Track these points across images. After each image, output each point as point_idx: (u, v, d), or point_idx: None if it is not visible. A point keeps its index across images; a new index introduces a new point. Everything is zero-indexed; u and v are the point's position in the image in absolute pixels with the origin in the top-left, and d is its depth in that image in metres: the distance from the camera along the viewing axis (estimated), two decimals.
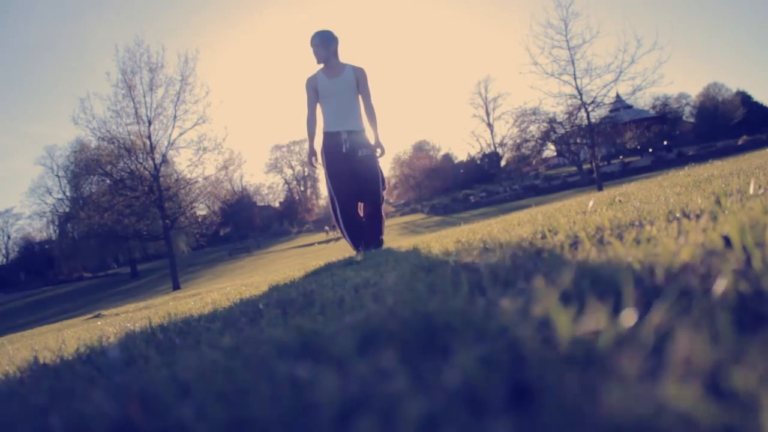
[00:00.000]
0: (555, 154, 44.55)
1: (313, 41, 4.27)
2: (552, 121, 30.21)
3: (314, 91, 4.29)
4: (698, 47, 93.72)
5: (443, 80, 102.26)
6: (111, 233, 25.42)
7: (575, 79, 22.75)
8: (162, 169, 22.10)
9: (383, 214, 4.37)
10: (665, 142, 44.68)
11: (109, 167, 23.27)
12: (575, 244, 1.28)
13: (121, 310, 8.27)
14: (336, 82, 4.23)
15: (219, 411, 0.56)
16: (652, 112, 50.39)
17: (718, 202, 1.49)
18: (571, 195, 20.72)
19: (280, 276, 3.99)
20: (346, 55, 4.44)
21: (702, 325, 0.56)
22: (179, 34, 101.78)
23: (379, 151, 4.30)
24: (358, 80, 4.28)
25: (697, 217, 1.27)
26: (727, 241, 0.89)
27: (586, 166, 37.23)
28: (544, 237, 1.56)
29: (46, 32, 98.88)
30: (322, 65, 4.30)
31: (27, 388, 1.07)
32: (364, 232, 4.25)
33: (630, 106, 39.54)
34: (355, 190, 4.22)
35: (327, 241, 35.95)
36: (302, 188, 66.83)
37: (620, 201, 2.65)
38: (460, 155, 67.14)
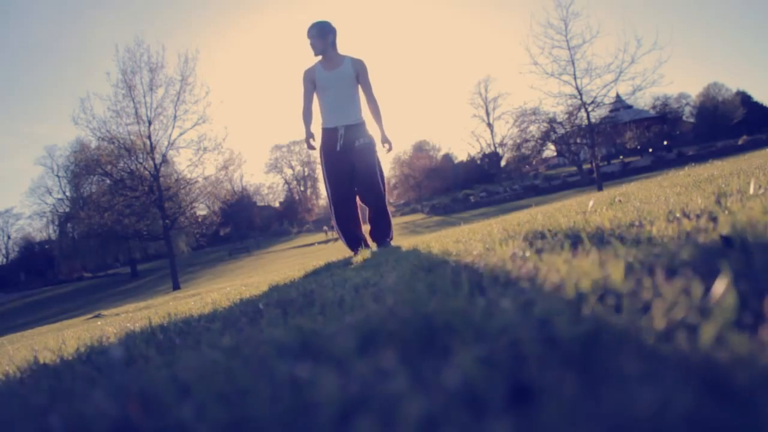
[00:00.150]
0: (555, 154, 44.51)
1: (309, 33, 4.14)
2: (552, 121, 30.19)
3: (311, 83, 4.16)
4: (698, 47, 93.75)
5: (443, 80, 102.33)
6: (111, 233, 25.40)
7: (575, 79, 22.74)
8: (162, 169, 22.10)
9: (387, 209, 4.16)
10: (665, 142, 44.68)
11: (109, 167, 23.26)
12: (575, 244, 1.28)
13: (121, 310, 8.27)
14: (334, 75, 4.10)
15: (219, 411, 0.56)
16: (652, 112, 50.40)
17: (718, 202, 1.49)
18: (571, 195, 20.72)
19: (280, 276, 3.99)
20: (346, 53, 4.26)
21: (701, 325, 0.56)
22: (179, 34, 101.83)
23: (387, 146, 4.17)
24: (358, 73, 4.14)
25: (697, 217, 1.27)
26: (727, 241, 0.89)
27: (586, 166, 37.23)
28: (544, 237, 1.56)
29: (46, 32, 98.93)
30: (320, 57, 4.17)
31: (27, 388, 1.07)
32: (371, 231, 4.12)
33: (630, 106, 39.53)
34: (353, 187, 4.10)
35: (326, 241, 35.94)
36: (302, 188, 66.83)
37: (620, 201, 2.65)
38: (460, 155, 67.21)
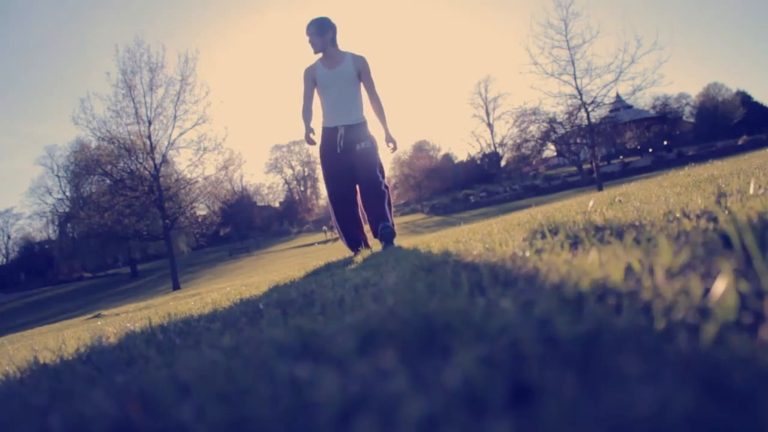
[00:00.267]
0: (555, 154, 44.52)
1: (308, 30, 4.02)
2: (552, 121, 30.19)
3: (312, 81, 4.05)
4: (698, 47, 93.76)
5: (443, 80, 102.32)
6: (111, 233, 25.39)
7: (575, 79, 22.75)
8: (162, 169, 22.10)
9: (387, 195, 3.95)
10: (665, 142, 44.68)
11: (109, 167, 23.26)
12: (575, 244, 1.28)
13: (121, 310, 8.27)
14: (335, 73, 3.98)
15: (219, 411, 0.56)
16: (652, 112, 50.40)
17: (718, 202, 1.49)
18: (571, 195, 20.73)
19: (280, 276, 3.99)
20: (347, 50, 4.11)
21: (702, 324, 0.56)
22: (179, 34, 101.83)
23: (391, 145, 4.08)
24: (360, 70, 4.02)
25: (697, 217, 1.27)
26: (727, 241, 0.89)
27: (586, 166, 37.22)
28: (544, 237, 1.56)
29: (46, 32, 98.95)
30: (320, 55, 4.05)
31: (27, 388, 1.07)
32: (374, 232, 3.97)
33: (630, 106, 39.54)
34: (353, 187, 3.99)
35: (326, 242, 35.94)
36: (302, 188, 66.83)
37: (620, 201, 2.65)
38: (460, 155, 67.23)
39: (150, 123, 21.54)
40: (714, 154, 30.63)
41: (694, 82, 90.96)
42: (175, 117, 21.78)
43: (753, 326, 0.55)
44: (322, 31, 3.98)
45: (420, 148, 59.54)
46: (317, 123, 4.12)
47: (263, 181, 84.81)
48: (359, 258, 3.05)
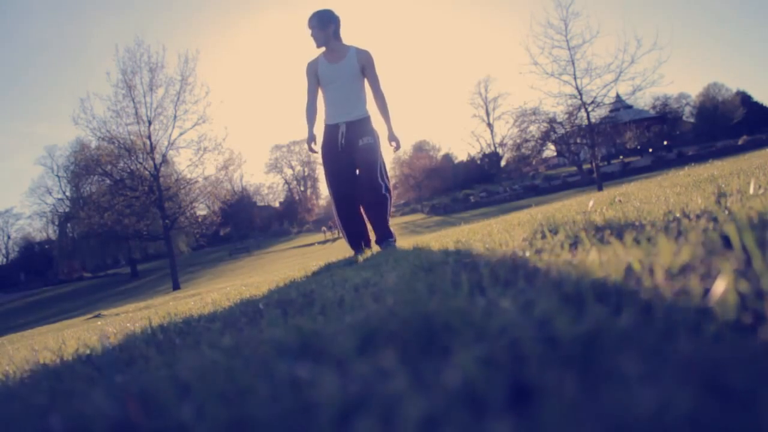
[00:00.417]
0: (555, 154, 44.54)
1: (310, 23, 3.87)
2: (552, 121, 30.19)
3: (315, 76, 3.92)
4: (698, 47, 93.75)
5: (443, 80, 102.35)
6: (111, 233, 25.40)
7: (575, 79, 22.74)
8: (162, 169, 22.10)
9: (388, 203, 3.86)
10: (665, 142, 44.69)
11: (109, 167, 23.28)
12: (575, 244, 1.28)
13: (121, 310, 8.27)
14: (337, 68, 3.84)
15: (219, 411, 0.56)
16: (652, 112, 50.41)
17: (718, 202, 1.49)
18: (571, 195, 20.72)
19: (280, 276, 3.99)
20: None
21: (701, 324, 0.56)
22: (179, 34, 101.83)
23: (394, 144, 3.96)
24: (363, 65, 3.86)
25: (697, 217, 1.27)
26: (727, 241, 0.89)
27: (586, 166, 37.23)
28: (544, 237, 1.56)
29: (46, 32, 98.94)
30: (323, 49, 3.91)
31: (27, 388, 1.07)
32: (371, 225, 3.89)
33: (630, 106, 39.56)
34: (354, 184, 3.88)
35: (325, 242, 35.94)
36: (302, 188, 66.83)
37: (620, 201, 2.65)
38: (460, 155, 67.28)
39: (150, 123, 21.55)
40: (714, 154, 30.63)
41: (694, 82, 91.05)
42: (175, 117, 21.80)
43: (753, 326, 0.55)
44: (324, 24, 3.85)
45: (420, 148, 59.58)
46: (321, 122, 4.02)
47: (263, 181, 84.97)
48: (359, 258, 3.05)
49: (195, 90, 21.96)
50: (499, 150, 58.09)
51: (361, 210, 3.94)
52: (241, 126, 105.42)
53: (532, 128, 34.77)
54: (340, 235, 4.18)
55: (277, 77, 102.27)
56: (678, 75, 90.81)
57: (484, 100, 59.03)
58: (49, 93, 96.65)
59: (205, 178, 23.31)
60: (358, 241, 3.96)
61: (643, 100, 45.96)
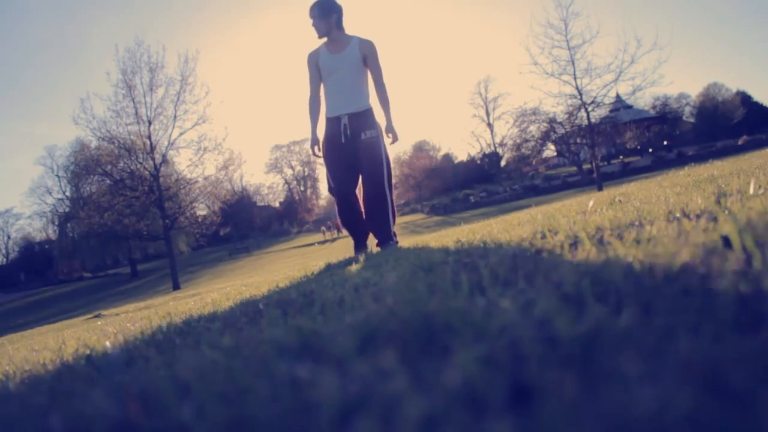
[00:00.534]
0: (555, 154, 44.54)
1: (311, 12, 3.75)
2: (552, 121, 30.18)
3: (316, 67, 3.80)
4: (698, 47, 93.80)
5: (443, 80, 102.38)
6: (111, 233, 25.40)
7: (575, 79, 22.74)
8: (162, 169, 22.10)
9: (391, 204, 3.73)
10: (665, 142, 44.70)
11: (109, 167, 23.29)
12: (575, 244, 1.28)
13: (121, 310, 8.27)
14: (339, 58, 3.72)
15: (219, 411, 0.56)
16: (652, 112, 50.41)
17: (718, 202, 1.49)
18: (571, 195, 20.72)
19: (280, 276, 3.99)
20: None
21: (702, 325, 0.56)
22: (179, 34, 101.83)
23: (390, 137, 3.79)
24: (366, 55, 3.73)
25: (697, 217, 1.27)
26: (727, 241, 0.89)
27: (586, 166, 37.23)
28: (544, 237, 1.56)
29: (46, 32, 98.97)
30: (325, 39, 3.79)
31: (27, 388, 1.07)
32: (371, 227, 3.76)
33: (630, 106, 39.55)
34: (356, 179, 3.74)
35: (324, 242, 35.93)
36: (302, 188, 66.84)
37: (620, 201, 2.65)
38: (460, 155, 67.32)
39: (150, 123, 21.55)
40: (714, 154, 30.64)
41: (694, 82, 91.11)
42: (175, 117, 21.80)
43: (753, 326, 0.55)
44: (325, 14, 3.73)
45: (420, 148, 59.60)
46: (322, 115, 3.88)
47: (263, 181, 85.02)
48: (359, 258, 3.05)
49: (195, 90, 21.98)
50: (499, 150, 58.12)
51: (362, 207, 3.81)
52: (241, 126, 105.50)
53: (532, 128, 34.78)
54: (341, 234, 4.12)
55: (277, 77, 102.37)
56: (678, 75, 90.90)
57: (484, 100, 59.07)
58: (49, 93, 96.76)
59: (205, 178, 23.33)
60: (360, 235, 3.86)
61: (643, 100, 45.96)
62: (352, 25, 3.93)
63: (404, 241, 4.10)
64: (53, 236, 49.24)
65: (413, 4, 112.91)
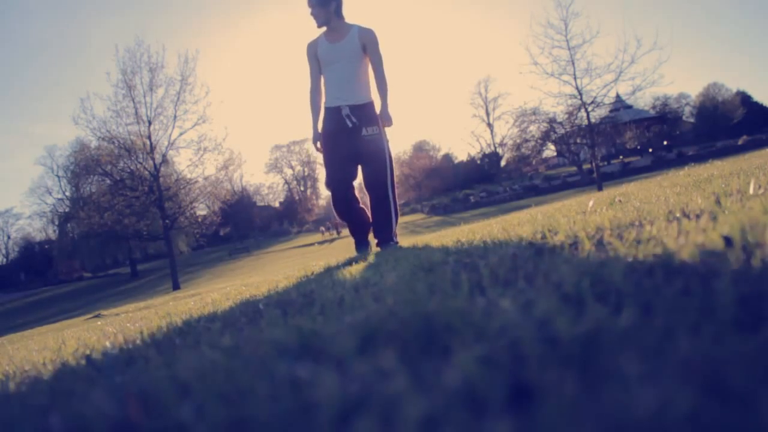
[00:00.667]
0: (555, 154, 44.56)
1: (310, 1, 3.61)
2: (552, 121, 30.17)
3: (315, 58, 3.68)
4: (698, 47, 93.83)
5: (443, 80, 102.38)
6: (111, 233, 25.43)
7: (575, 79, 22.74)
8: (162, 169, 22.12)
9: (393, 205, 3.63)
10: (665, 142, 44.69)
11: (109, 167, 23.30)
12: (575, 244, 1.28)
13: (121, 310, 8.27)
14: (338, 47, 3.59)
15: (219, 411, 0.56)
16: (652, 112, 50.38)
17: (718, 202, 1.49)
18: (571, 195, 20.72)
19: (280, 276, 3.99)
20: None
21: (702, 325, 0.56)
22: (179, 34, 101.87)
23: (386, 122, 3.62)
24: (366, 44, 3.59)
25: (697, 217, 1.27)
26: (727, 241, 0.89)
27: (586, 166, 37.23)
28: (544, 237, 1.56)
29: (46, 32, 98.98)
30: (324, 29, 3.66)
31: (27, 388, 1.07)
32: (373, 228, 3.67)
33: (630, 106, 39.51)
34: (354, 173, 3.65)
35: (324, 242, 35.92)
36: (302, 188, 66.85)
37: (620, 201, 2.65)
38: (460, 155, 67.36)
39: (150, 123, 21.57)
40: (714, 154, 30.63)
41: (694, 82, 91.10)
42: (175, 117, 21.82)
43: (753, 326, 0.55)
44: (324, 2, 3.59)
45: (420, 148, 59.63)
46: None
47: (263, 181, 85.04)
48: (359, 258, 3.04)
49: (195, 90, 22.01)
50: (499, 150, 58.13)
51: (360, 203, 3.76)
52: (241, 126, 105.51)
53: (532, 128, 34.77)
54: (340, 234, 4.02)
55: (277, 77, 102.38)
56: (678, 75, 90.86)
57: (484, 100, 59.06)
58: (49, 93, 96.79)
59: (205, 178, 23.35)
60: (361, 235, 3.76)
61: (643, 100, 45.94)
62: (351, 21, 3.81)
63: (404, 241, 4.10)
64: (53, 236, 49.27)
65: (413, 4, 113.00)
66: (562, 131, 30.00)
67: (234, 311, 1.68)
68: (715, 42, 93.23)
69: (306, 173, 66.19)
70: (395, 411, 0.47)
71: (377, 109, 3.67)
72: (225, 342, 1.00)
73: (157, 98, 21.66)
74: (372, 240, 3.84)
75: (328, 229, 42.53)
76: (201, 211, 26.01)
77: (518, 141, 37.35)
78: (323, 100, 3.74)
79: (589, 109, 23.46)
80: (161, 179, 21.88)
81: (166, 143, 21.95)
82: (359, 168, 3.70)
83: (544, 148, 36.96)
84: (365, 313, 0.87)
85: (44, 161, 55.38)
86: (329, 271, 2.62)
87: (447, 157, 61.07)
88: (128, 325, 2.57)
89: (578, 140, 27.78)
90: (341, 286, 1.53)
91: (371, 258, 2.76)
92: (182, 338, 1.30)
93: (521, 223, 2.51)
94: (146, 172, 21.91)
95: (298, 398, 0.55)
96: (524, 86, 68.08)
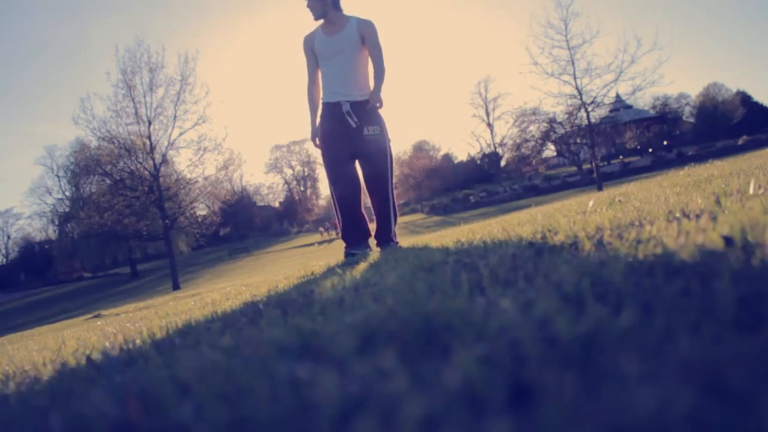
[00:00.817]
0: (555, 154, 44.57)
1: None
2: (552, 121, 30.16)
3: (312, 52, 3.55)
4: (698, 47, 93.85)
5: (443, 80, 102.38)
6: (111, 233, 25.45)
7: (575, 79, 22.74)
8: (162, 169, 22.12)
9: (393, 205, 3.57)
10: (665, 142, 44.70)
11: (109, 167, 23.31)
12: (575, 244, 1.28)
13: (121, 310, 8.27)
14: (336, 40, 3.45)
15: (219, 411, 0.56)
16: (652, 112, 50.38)
17: (718, 202, 1.49)
18: (571, 195, 20.72)
19: (280, 276, 3.99)
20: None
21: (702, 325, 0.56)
22: (179, 34, 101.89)
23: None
24: (364, 36, 3.44)
25: (697, 217, 1.27)
26: (727, 241, 0.89)
27: (586, 166, 37.23)
28: (544, 237, 1.56)
29: (46, 32, 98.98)
30: (321, 21, 3.53)
31: (27, 388, 1.07)
32: (376, 224, 3.58)
33: (630, 106, 39.52)
34: (355, 171, 3.55)
35: (323, 242, 35.91)
36: (302, 188, 66.83)
37: (620, 201, 2.65)
38: (460, 155, 67.42)
39: (150, 123, 21.57)
40: (714, 154, 30.64)
41: (694, 82, 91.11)
42: (175, 117, 21.82)
43: (753, 326, 0.55)
44: None
45: (420, 148, 59.64)
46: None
47: (263, 181, 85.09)
48: (359, 258, 3.04)
49: (195, 90, 22.02)
50: (499, 150, 58.13)
51: (362, 205, 3.65)
52: (241, 126, 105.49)
53: (532, 128, 34.76)
54: (339, 234, 3.92)
55: (277, 77, 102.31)
56: (678, 75, 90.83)
57: (484, 100, 59.05)
58: (49, 93, 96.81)
59: (205, 178, 23.35)
60: (355, 239, 3.60)
61: (643, 100, 45.98)
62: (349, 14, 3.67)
63: (404, 241, 4.09)
64: (53, 236, 49.27)
65: (413, 4, 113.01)
66: (562, 131, 30.00)
67: (234, 311, 1.68)
68: (715, 42, 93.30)
69: (306, 173, 66.17)
70: (395, 411, 0.47)
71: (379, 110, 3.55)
72: (225, 342, 1.00)
73: (157, 98, 21.69)
74: (372, 241, 3.78)
75: (327, 229, 42.53)
76: (201, 211, 26.03)
77: (518, 141, 37.34)
78: (321, 95, 3.64)
79: (589, 109, 23.46)
80: (161, 179, 21.88)
81: (166, 143, 21.97)
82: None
83: (544, 148, 36.95)
84: (365, 313, 0.87)
85: (44, 161, 55.48)
86: (329, 271, 2.62)
87: (447, 157, 61.08)
88: (128, 325, 2.57)
89: (578, 140, 27.78)
90: (341, 286, 1.53)
91: (371, 258, 2.76)
92: (182, 338, 1.30)
93: (521, 223, 2.51)
94: (146, 172, 21.92)
95: (298, 398, 0.55)
96: (524, 86, 68.11)
